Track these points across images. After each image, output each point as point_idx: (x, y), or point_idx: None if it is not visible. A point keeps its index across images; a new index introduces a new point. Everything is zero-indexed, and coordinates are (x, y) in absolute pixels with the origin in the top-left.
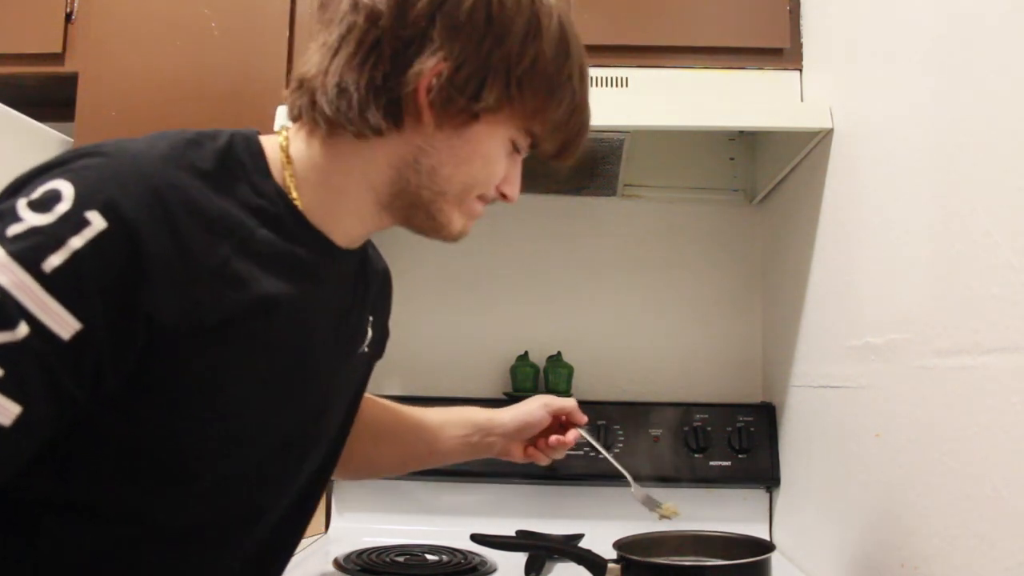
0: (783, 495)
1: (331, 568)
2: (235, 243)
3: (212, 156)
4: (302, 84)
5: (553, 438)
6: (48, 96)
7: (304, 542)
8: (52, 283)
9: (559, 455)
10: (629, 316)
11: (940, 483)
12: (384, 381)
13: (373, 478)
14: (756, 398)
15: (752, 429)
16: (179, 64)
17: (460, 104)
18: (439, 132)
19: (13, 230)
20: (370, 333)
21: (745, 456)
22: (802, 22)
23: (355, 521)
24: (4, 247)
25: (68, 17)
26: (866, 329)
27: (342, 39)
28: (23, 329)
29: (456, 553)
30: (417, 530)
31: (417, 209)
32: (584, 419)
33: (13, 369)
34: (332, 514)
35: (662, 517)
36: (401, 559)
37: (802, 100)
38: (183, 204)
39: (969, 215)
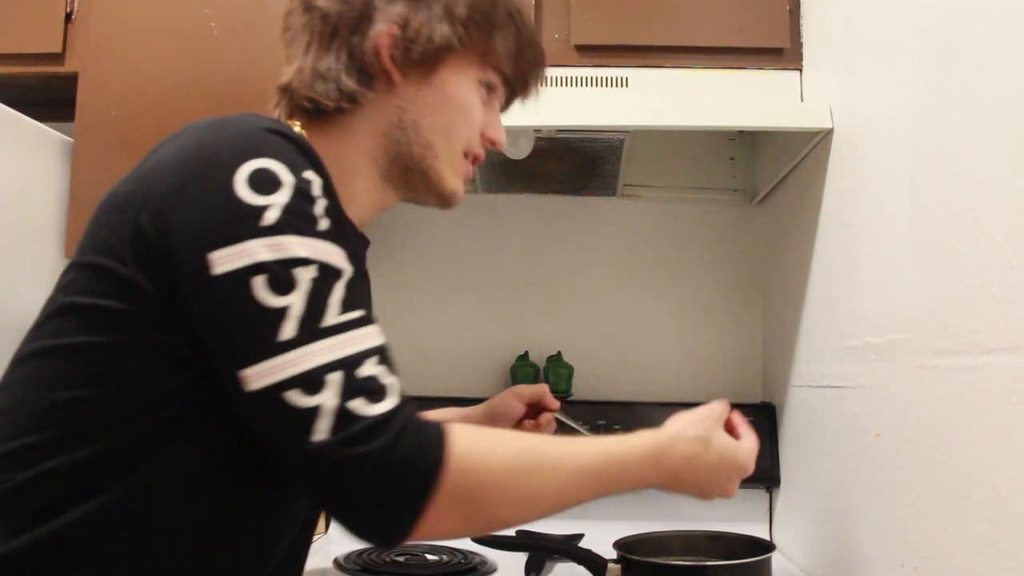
0: (783, 495)
1: (331, 568)
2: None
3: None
4: (285, 89)
5: (526, 423)
6: (48, 96)
7: None
8: (329, 235)
9: None
10: (629, 316)
11: (940, 483)
12: None
13: None
14: (756, 398)
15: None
16: (179, 64)
17: (417, 52)
18: (410, 85)
19: (269, 217)
20: None
21: None
22: (802, 22)
23: None
24: (281, 233)
25: (68, 17)
26: (866, 329)
27: (308, 43)
28: (344, 277)
29: (456, 553)
30: None
31: (412, 172)
32: (556, 404)
33: (361, 306)
34: None
35: None
36: (401, 559)
37: (802, 100)
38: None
39: (969, 215)
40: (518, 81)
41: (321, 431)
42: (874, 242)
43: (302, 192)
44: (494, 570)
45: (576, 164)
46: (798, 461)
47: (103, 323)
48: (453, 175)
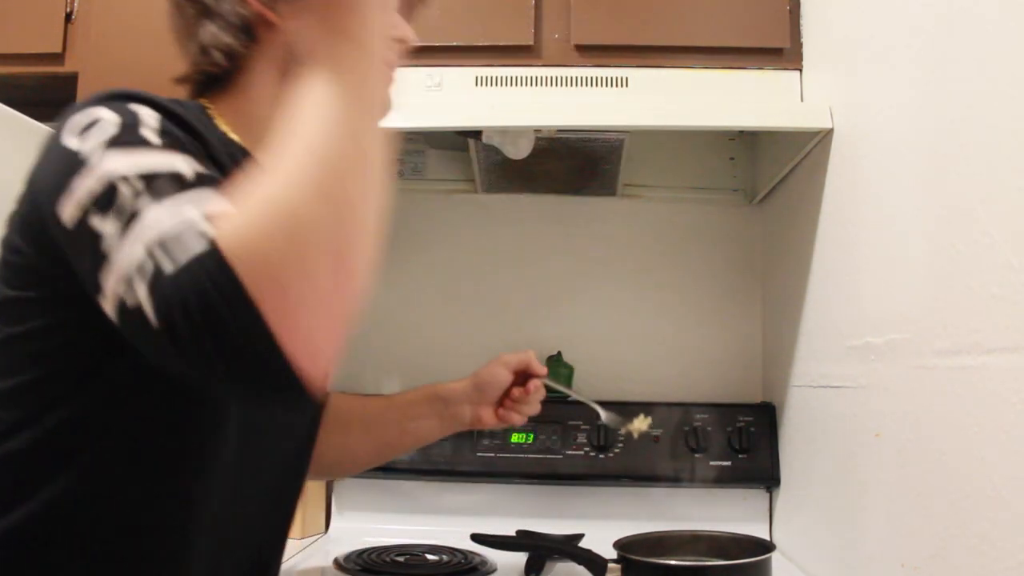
0: (783, 495)
1: (331, 568)
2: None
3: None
4: (183, 79)
5: (515, 390)
6: (48, 96)
7: (304, 542)
8: (162, 143)
9: (531, 410)
10: (629, 316)
11: (940, 483)
12: (384, 381)
13: (352, 472)
14: (756, 398)
15: (752, 429)
16: (179, 64)
17: None
18: (288, 19)
19: (93, 151)
20: None
21: (745, 456)
22: (802, 22)
23: (355, 521)
24: (104, 160)
25: (68, 17)
26: (866, 329)
27: (188, 31)
28: (189, 173)
29: (456, 553)
30: (417, 530)
31: None
32: (543, 370)
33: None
34: (332, 514)
35: (635, 431)
36: (401, 559)
37: (802, 100)
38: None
39: (969, 215)
40: None
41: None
42: (874, 242)
43: (128, 122)
44: (494, 570)
45: (576, 164)
46: (798, 461)
47: (22, 313)
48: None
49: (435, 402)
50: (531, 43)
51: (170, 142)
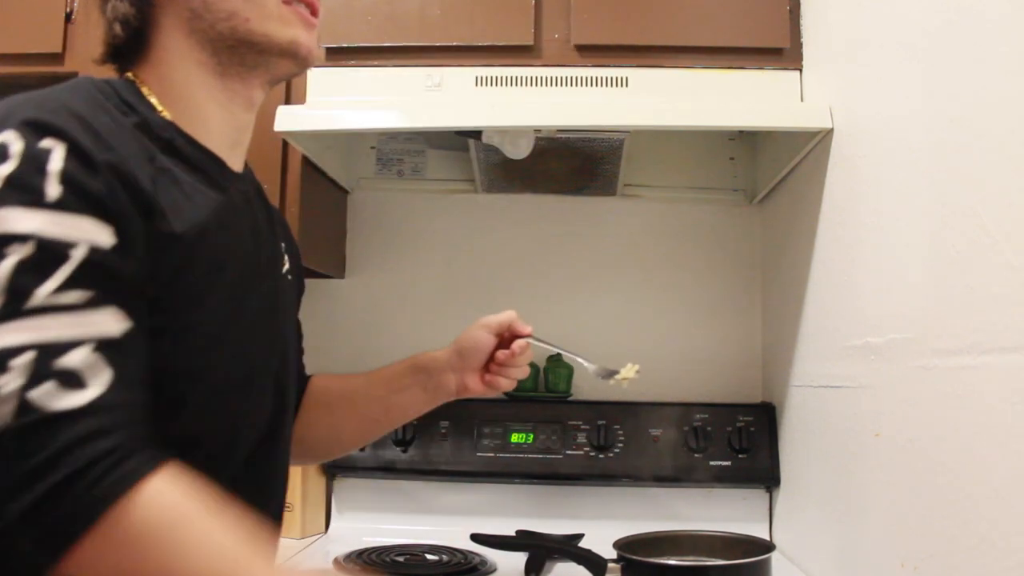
0: (783, 495)
1: (331, 568)
2: (157, 152)
3: (106, 91)
4: (101, 57)
5: (500, 353)
6: None
7: (304, 542)
8: (62, 205)
9: (518, 373)
10: (629, 316)
11: (940, 483)
12: None
13: (339, 453)
14: (756, 398)
15: (752, 429)
16: None
17: None
18: None
19: None
20: (285, 257)
21: (745, 456)
22: (802, 22)
23: (355, 521)
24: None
25: (68, 17)
26: (866, 329)
27: (100, 10)
28: (79, 252)
29: (456, 553)
30: (417, 530)
31: (237, 50)
32: (527, 329)
33: (95, 286)
34: (332, 514)
35: (623, 380)
36: (401, 559)
37: (802, 100)
38: (102, 121)
39: (969, 215)
40: None
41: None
42: (874, 242)
43: (32, 159)
44: (494, 570)
45: (576, 164)
46: (798, 461)
47: None
48: (282, 26)
49: (418, 372)
50: (531, 43)
51: (74, 198)
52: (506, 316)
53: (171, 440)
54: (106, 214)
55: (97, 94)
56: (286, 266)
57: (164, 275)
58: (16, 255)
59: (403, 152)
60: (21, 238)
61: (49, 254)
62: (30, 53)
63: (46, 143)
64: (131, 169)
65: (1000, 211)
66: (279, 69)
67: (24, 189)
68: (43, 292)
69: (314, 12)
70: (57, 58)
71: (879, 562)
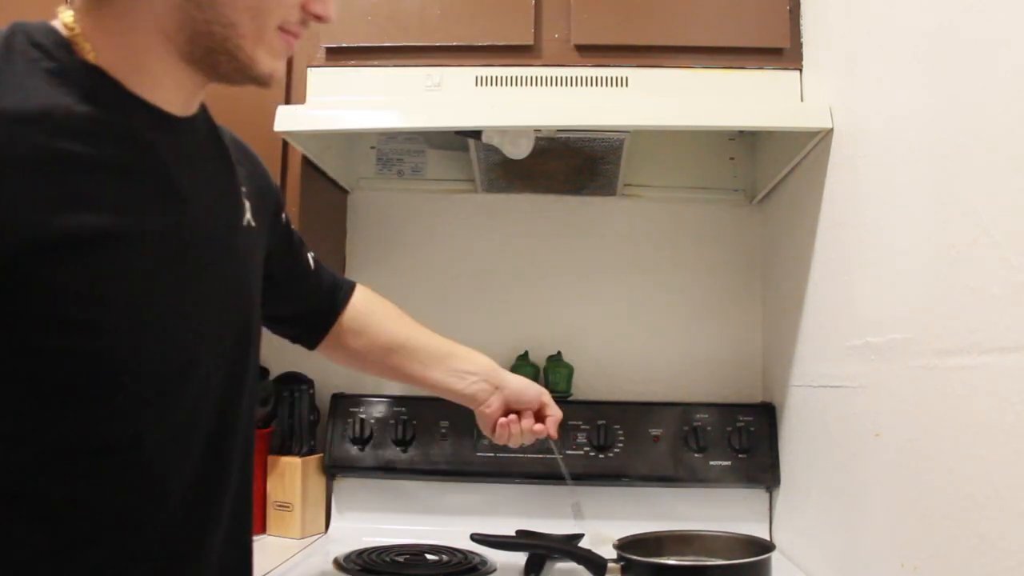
0: (783, 495)
1: (331, 568)
2: (50, 127)
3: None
4: None
5: (538, 426)
6: None
7: (304, 542)
8: None
9: (525, 440)
10: (629, 316)
11: (940, 483)
12: (384, 381)
13: (357, 367)
14: (756, 398)
15: (752, 429)
16: None
17: None
18: None
19: None
20: (247, 204)
21: (745, 456)
22: (802, 22)
23: (355, 521)
24: None
25: None
26: (866, 329)
27: None
28: None
29: (456, 553)
30: (417, 530)
31: (217, 53)
32: (555, 435)
33: None
34: (332, 514)
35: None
36: (401, 559)
37: (802, 100)
38: None
39: (969, 215)
40: None
41: None
42: (874, 242)
43: None
44: (494, 570)
45: (576, 164)
46: (798, 461)
47: None
48: (267, 55)
49: (475, 368)
50: (531, 43)
51: None
52: (558, 413)
53: (105, 444)
54: None
55: (5, 47)
56: (247, 215)
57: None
58: None
59: (403, 152)
60: None
61: None
62: None
63: None
64: None
65: (1000, 211)
66: (237, 83)
67: None
68: None
69: (296, 39)
70: None
71: (879, 562)
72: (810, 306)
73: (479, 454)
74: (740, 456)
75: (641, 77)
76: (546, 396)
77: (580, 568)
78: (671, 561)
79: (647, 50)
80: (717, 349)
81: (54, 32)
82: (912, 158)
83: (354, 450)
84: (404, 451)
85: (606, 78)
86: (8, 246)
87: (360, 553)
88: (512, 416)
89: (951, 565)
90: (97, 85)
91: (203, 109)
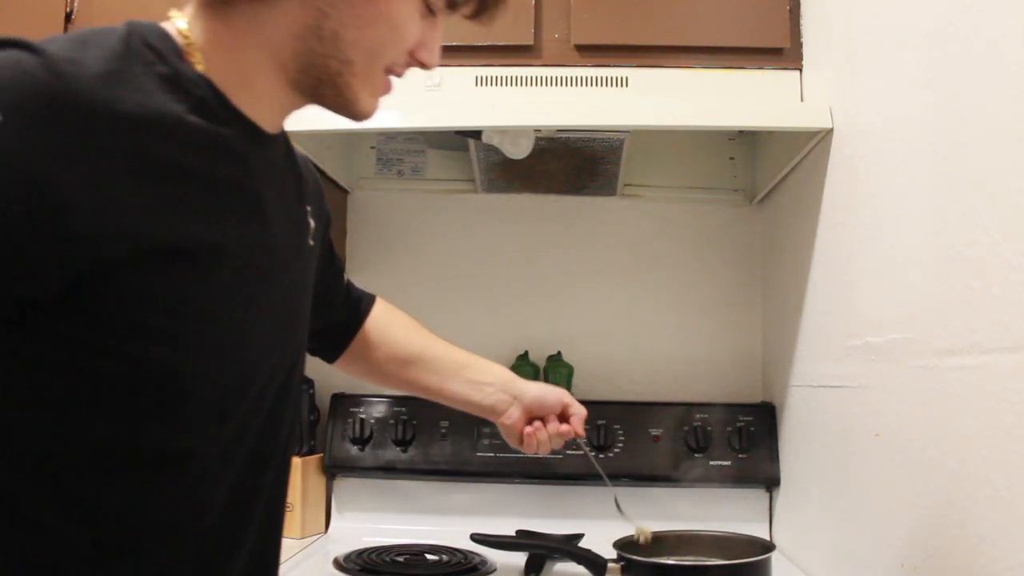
0: (783, 495)
1: (331, 568)
2: (162, 134)
3: (115, 45)
4: None
5: (564, 427)
6: None
7: (304, 542)
8: None
9: (554, 445)
10: (629, 316)
11: (940, 483)
12: None
13: (374, 381)
14: (756, 398)
15: (752, 429)
16: None
17: None
18: None
19: None
20: (311, 224)
21: (745, 456)
22: (802, 22)
23: (355, 521)
24: None
25: (68, 17)
26: (866, 329)
27: None
28: None
29: (456, 553)
30: (417, 530)
31: (325, 86)
32: (582, 432)
33: None
34: (332, 514)
35: (637, 531)
36: (401, 559)
37: (802, 100)
38: (87, 101)
39: (969, 215)
40: (467, 8)
41: None
42: (874, 242)
43: None
44: (494, 570)
45: (576, 164)
46: (798, 461)
47: None
48: (370, 95)
49: (493, 379)
50: (531, 43)
51: None
52: (582, 411)
53: (160, 455)
54: None
55: (124, 47)
56: (310, 234)
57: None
58: None
59: (403, 152)
60: None
61: None
62: None
63: None
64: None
65: (1000, 211)
66: (334, 111)
67: None
68: None
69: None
70: None
71: (879, 562)
72: (810, 306)
73: (479, 454)
74: (740, 456)
75: (641, 77)
76: (567, 397)
77: (580, 568)
78: (671, 561)
79: (647, 50)
80: (717, 349)
81: (168, 37)
82: (912, 158)
83: (354, 450)
84: (404, 451)
85: (606, 78)
86: (113, 252)
87: (360, 553)
88: (537, 424)
89: (951, 565)
90: (206, 96)
91: (282, 129)
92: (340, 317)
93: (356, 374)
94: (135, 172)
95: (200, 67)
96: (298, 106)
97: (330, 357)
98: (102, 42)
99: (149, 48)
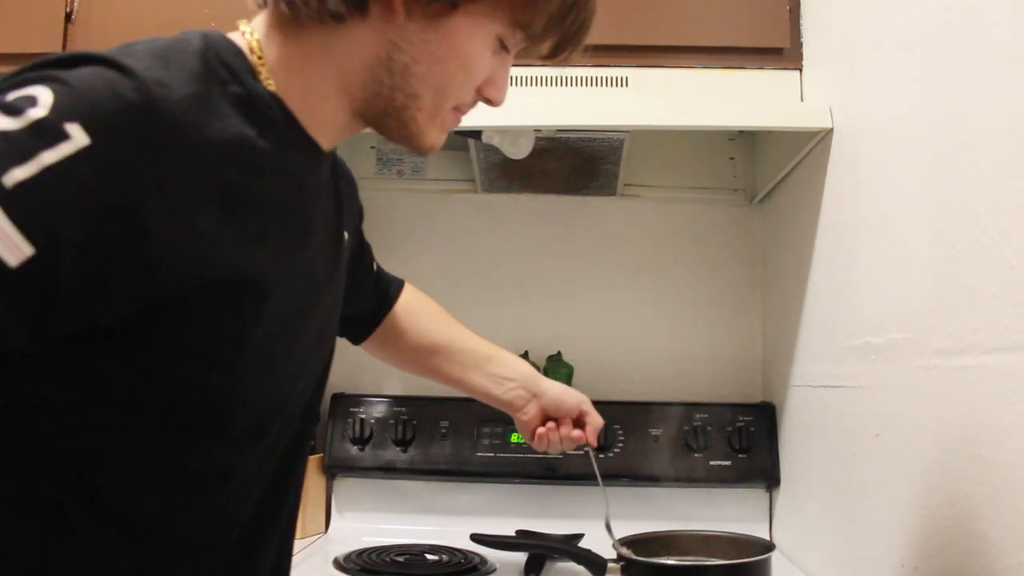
0: (783, 495)
1: (331, 568)
2: (238, 161)
3: (195, 65)
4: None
5: (576, 432)
6: None
7: (304, 542)
8: (10, 199)
9: (564, 447)
10: (629, 316)
11: (940, 483)
12: (384, 381)
13: (396, 365)
14: (756, 398)
15: (752, 429)
16: None
17: None
18: (412, 23)
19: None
20: (346, 236)
21: (745, 456)
22: (802, 22)
23: (355, 521)
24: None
25: (68, 17)
26: (866, 329)
27: None
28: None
29: (456, 553)
30: (417, 530)
31: (390, 117)
32: (594, 443)
33: None
34: (332, 514)
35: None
36: (401, 559)
37: (802, 100)
38: (177, 126)
39: (969, 215)
40: (544, 46)
41: None
42: (874, 242)
43: (41, 131)
44: (494, 570)
45: (576, 164)
46: (798, 461)
47: None
48: (436, 130)
49: (514, 374)
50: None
51: (26, 202)
52: (599, 420)
53: (204, 473)
54: (42, 237)
55: (202, 66)
56: (344, 246)
57: (183, 321)
58: None
59: (403, 152)
60: None
61: None
62: (30, 53)
63: (72, 128)
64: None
65: (1000, 211)
66: (395, 142)
67: (8, 153)
68: None
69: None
70: None
71: (879, 562)
72: (810, 306)
73: (479, 454)
74: (740, 456)
75: (641, 77)
76: (586, 404)
77: (580, 568)
78: (671, 561)
79: (647, 50)
80: (717, 349)
81: (242, 55)
82: (912, 158)
83: (354, 450)
84: (404, 451)
85: (606, 78)
86: (186, 281)
87: (360, 553)
88: (551, 424)
89: (951, 565)
90: (276, 117)
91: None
92: (369, 303)
93: (379, 357)
94: (212, 200)
95: (272, 86)
96: (356, 131)
97: (356, 339)
98: (183, 60)
99: (224, 66)
